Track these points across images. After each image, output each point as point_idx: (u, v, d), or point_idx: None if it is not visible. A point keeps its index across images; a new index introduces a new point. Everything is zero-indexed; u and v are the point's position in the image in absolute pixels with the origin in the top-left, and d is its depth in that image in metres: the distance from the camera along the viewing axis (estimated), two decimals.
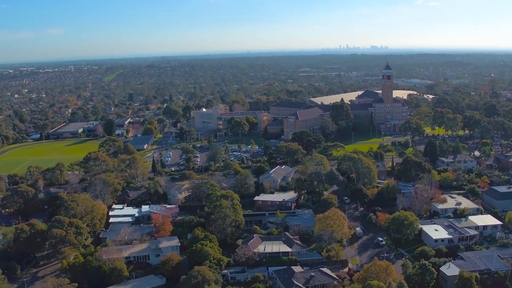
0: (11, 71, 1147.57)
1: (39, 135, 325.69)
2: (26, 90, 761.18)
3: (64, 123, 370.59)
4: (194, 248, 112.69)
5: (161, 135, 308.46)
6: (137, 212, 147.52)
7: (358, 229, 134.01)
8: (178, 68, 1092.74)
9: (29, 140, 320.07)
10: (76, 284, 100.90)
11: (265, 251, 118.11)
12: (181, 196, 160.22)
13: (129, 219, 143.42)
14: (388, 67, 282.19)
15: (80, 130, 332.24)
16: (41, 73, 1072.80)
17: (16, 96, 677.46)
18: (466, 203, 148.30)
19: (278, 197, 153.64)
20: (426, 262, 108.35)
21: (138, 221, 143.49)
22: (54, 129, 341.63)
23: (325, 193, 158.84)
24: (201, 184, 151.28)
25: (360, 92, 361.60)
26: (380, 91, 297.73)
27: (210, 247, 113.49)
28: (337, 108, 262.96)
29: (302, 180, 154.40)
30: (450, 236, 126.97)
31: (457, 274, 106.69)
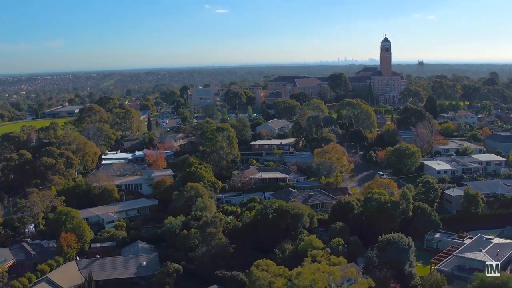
0: (9, 78, 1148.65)
1: (34, 116, 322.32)
2: (24, 93, 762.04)
3: (61, 106, 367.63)
4: (188, 171, 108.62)
5: (157, 113, 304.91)
6: (131, 156, 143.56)
7: None
8: (177, 74, 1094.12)
9: (25, 119, 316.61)
10: (63, 197, 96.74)
11: (262, 177, 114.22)
12: (177, 144, 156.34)
13: (122, 161, 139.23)
14: (387, 40, 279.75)
15: (77, 110, 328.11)
16: (39, 80, 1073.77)
17: (14, 96, 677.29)
18: (469, 145, 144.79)
19: (276, 141, 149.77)
20: (430, 179, 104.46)
21: (131, 162, 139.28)
22: (50, 109, 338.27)
23: None
24: (197, 125, 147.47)
25: None
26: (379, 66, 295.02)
27: (205, 171, 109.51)
28: (336, 78, 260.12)
29: (300, 124, 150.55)
30: (453, 168, 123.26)
31: (462, 194, 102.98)
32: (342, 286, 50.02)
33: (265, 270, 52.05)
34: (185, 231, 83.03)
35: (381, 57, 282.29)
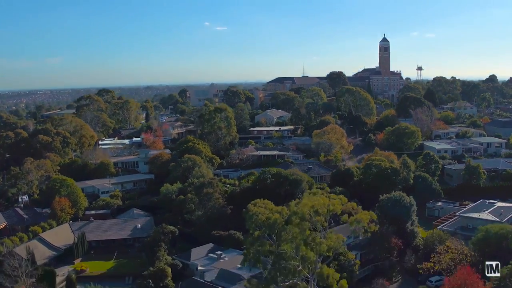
0: (9, 93, 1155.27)
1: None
2: (23, 105, 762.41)
3: (59, 109, 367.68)
4: (185, 146, 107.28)
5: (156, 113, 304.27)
6: (128, 141, 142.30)
7: None
8: (176, 90, 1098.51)
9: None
10: (58, 167, 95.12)
11: (260, 154, 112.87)
12: (174, 131, 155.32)
13: (119, 146, 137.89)
14: (385, 39, 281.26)
15: None
16: (39, 94, 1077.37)
17: (13, 108, 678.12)
18: (469, 129, 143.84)
19: (274, 128, 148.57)
20: (431, 152, 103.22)
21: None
22: (49, 112, 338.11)
23: None
24: (195, 109, 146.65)
25: None
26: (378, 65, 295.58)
27: (202, 147, 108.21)
28: (335, 77, 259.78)
29: (298, 111, 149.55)
30: (454, 147, 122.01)
31: (463, 168, 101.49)
32: (343, 216, 48.36)
33: (263, 208, 50.43)
34: (181, 196, 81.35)
35: (379, 57, 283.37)
